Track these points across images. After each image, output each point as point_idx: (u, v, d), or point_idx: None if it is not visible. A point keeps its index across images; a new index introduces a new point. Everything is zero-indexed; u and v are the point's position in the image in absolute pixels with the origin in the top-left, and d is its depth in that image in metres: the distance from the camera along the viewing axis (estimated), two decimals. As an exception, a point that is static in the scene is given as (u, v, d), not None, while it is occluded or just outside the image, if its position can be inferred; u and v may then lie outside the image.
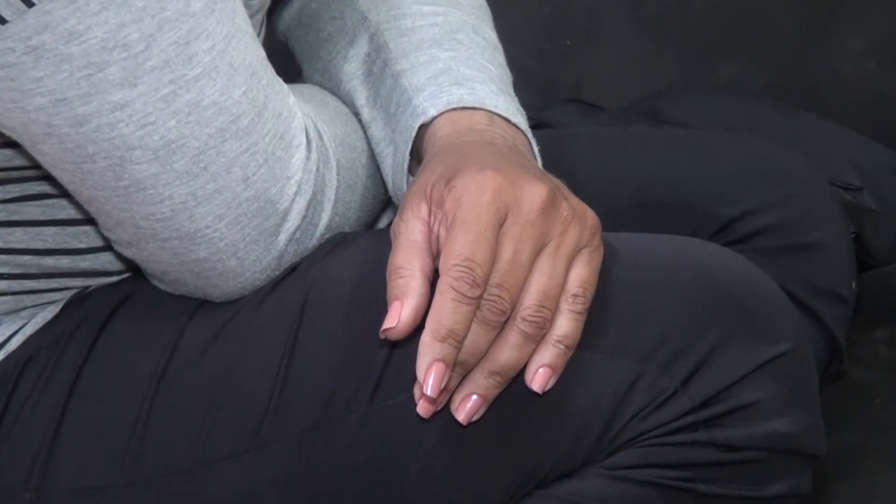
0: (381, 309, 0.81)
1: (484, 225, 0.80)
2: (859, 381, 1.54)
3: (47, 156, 0.83)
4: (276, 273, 0.89)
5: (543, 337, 0.81)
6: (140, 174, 0.82)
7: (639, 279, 0.86)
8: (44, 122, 0.80)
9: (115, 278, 0.95)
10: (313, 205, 0.89)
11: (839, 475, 1.38)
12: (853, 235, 1.51)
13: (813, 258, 1.12)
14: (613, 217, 0.86)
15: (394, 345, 0.85)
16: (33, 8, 0.77)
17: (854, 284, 1.15)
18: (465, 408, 0.82)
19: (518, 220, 0.81)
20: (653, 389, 0.84)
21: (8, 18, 0.77)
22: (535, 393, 0.82)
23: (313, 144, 0.89)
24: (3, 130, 0.83)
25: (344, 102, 1.00)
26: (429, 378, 0.79)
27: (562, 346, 0.81)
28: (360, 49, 0.99)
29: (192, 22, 0.80)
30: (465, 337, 0.80)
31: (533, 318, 0.80)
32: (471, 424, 0.83)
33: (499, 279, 0.80)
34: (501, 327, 0.81)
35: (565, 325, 0.81)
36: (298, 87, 1.00)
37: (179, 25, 0.79)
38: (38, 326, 0.93)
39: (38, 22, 0.77)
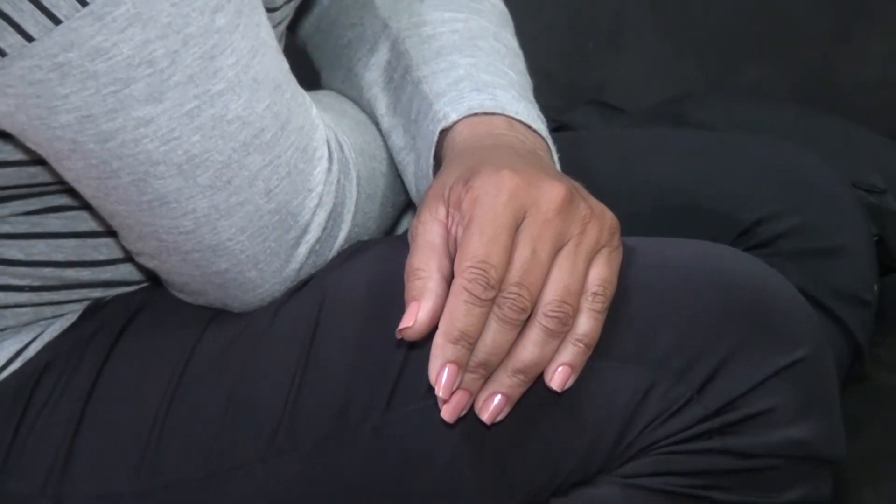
0: (397, 317, 0.81)
1: (500, 226, 0.80)
2: (882, 384, 1.54)
3: (72, 171, 0.84)
4: (294, 283, 0.90)
5: (563, 336, 0.81)
6: (164, 188, 0.83)
7: (653, 285, 0.85)
8: (69, 139, 0.81)
9: (133, 288, 0.95)
10: (333, 217, 0.89)
11: (862, 480, 1.38)
12: (876, 238, 1.50)
13: (835, 262, 1.11)
14: (632, 220, 0.86)
15: (408, 352, 0.85)
16: (60, 25, 0.77)
17: (876, 288, 1.14)
18: (489, 407, 0.81)
19: (536, 219, 0.80)
20: (667, 398, 0.84)
21: (35, 36, 0.77)
22: (555, 392, 0.81)
23: (334, 156, 0.89)
24: (29, 145, 0.84)
25: (364, 110, 1.00)
26: (440, 379, 0.79)
27: (581, 345, 0.81)
28: (381, 57, 0.99)
29: (216, 37, 0.80)
30: (477, 339, 0.80)
31: (555, 314, 0.80)
32: (486, 432, 0.83)
33: (518, 278, 0.79)
34: (522, 326, 0.81)
35: (585, 323, 0.81)
36: (317, 94, 1.00)
37: (204, 41, 0.80)
38: (55, 334, 0.93)
39: (64, 39, 0.77)
